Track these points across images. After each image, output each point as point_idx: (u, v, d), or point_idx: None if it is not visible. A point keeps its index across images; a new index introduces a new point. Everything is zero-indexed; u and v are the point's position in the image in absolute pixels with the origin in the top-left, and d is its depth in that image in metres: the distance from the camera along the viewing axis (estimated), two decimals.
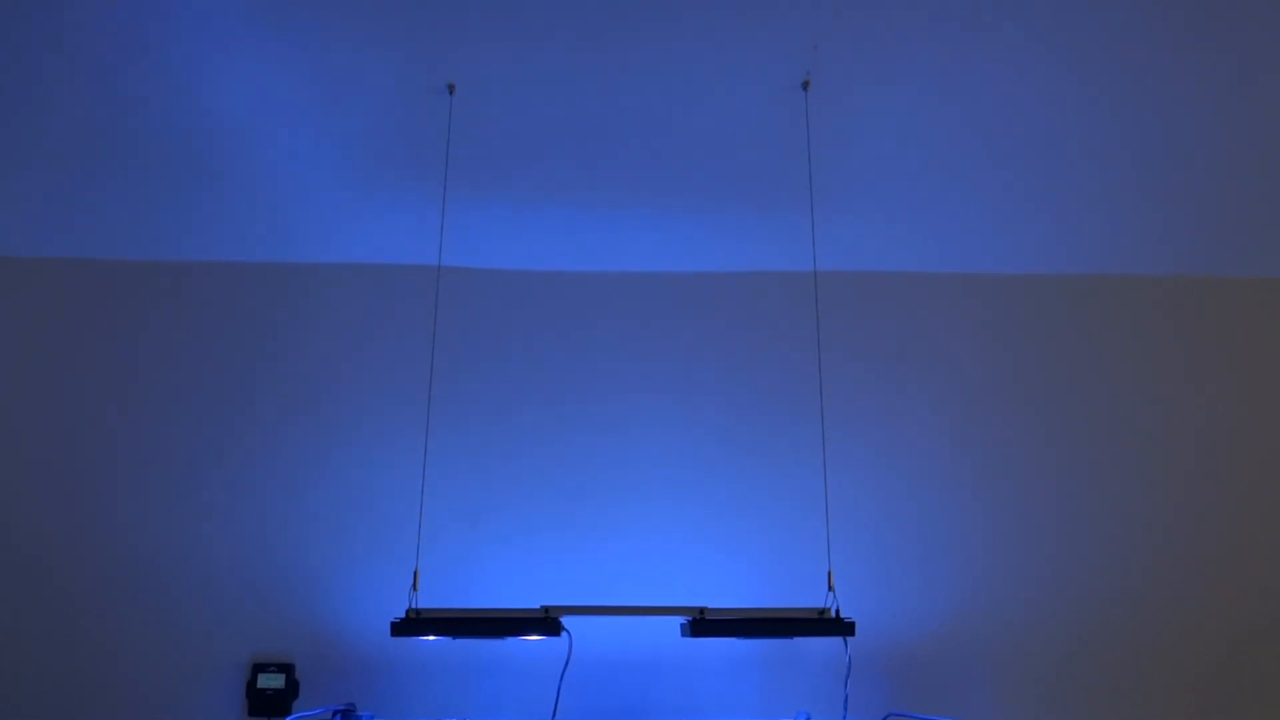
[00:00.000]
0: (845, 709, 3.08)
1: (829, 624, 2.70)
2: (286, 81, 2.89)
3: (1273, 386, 3.48)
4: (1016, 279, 3.49)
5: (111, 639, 3.15)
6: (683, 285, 3.45)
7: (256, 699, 3.06)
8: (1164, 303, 3.52)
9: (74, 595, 3.16)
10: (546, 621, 2.67)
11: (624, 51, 2.85)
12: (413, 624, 2.61)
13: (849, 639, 2.88)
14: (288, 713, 3.02)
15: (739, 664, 3.19)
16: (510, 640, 2.96)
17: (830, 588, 2.79)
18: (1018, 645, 3.25)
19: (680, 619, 2.78)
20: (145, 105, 2.94)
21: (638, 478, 3.30)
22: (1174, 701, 3.26)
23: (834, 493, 3.01)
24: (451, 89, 2.91)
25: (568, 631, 2.76)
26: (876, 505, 3.30)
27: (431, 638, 2.76)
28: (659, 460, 3.31)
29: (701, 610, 2.70)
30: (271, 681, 3.07)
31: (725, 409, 3.37)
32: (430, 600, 2.74)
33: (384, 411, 3.28)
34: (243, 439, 3.28)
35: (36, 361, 3.30)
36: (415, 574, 2.72)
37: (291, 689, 3.08)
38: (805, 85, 2.93)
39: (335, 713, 2.97)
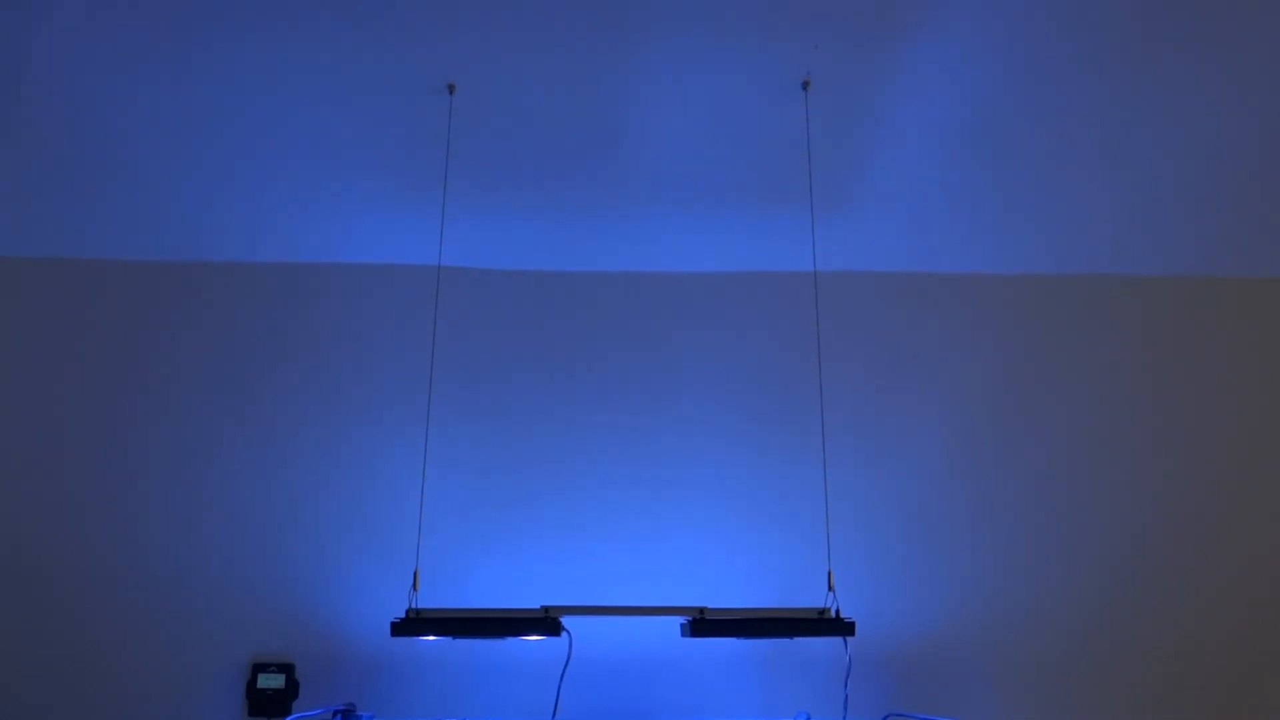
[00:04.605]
0: (845, 709, 3.08)
1: (829, 624, 2.70)
2: (287, 82, 2.89)
3: (1273, 386, 3.48)
4: (1016, 279, 3.49)
5: (111, 639, 3.15)
6: (683, 285, 3.45)
7: (256, 699, 3.06)
8: (1164, 303, 3.52)
9: (74, 595, 3.16)
10: (546, 621, 2.67)
11: (624, 52, 2.85)
12: (413, 624, 2.61)
13: (849, 639, 2.88)
14: (288, 713, 3.02)
15: (739, 664, 3.19)
16: (510, 640, 2.96)
17: (830, 588, 2.79)
18: (1018, 645, 3.25)
19: (680, 619, 2.78)
20: (145, 105, 2.94)
21: (637, 477, 3.30)
22: (1174, 701, 3.26)
23: (834, 492, 3.01)
24: (451, 89, 2.91)
25: (568, 631, 2.76)
26: (877, 505, 3.30)
27: (431, 638, 2.76)
28: (659, 460, 3.31)
29: (701, 610, 2.70)
30: (271, 681, 3.07)
31: (725, 409, 3.37)
32: (430, 600, 2.74)
33: (384, 411, 3.29)
34: (243, 439, 3.28)
35: (37, 361, 3.30)
36: (415, 574, 2.72)
37: (291, 689, 3.08)
38: (805, 85, 2.93)
39: (335, 713, 2.97)
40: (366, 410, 3.30)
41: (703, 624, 2.69)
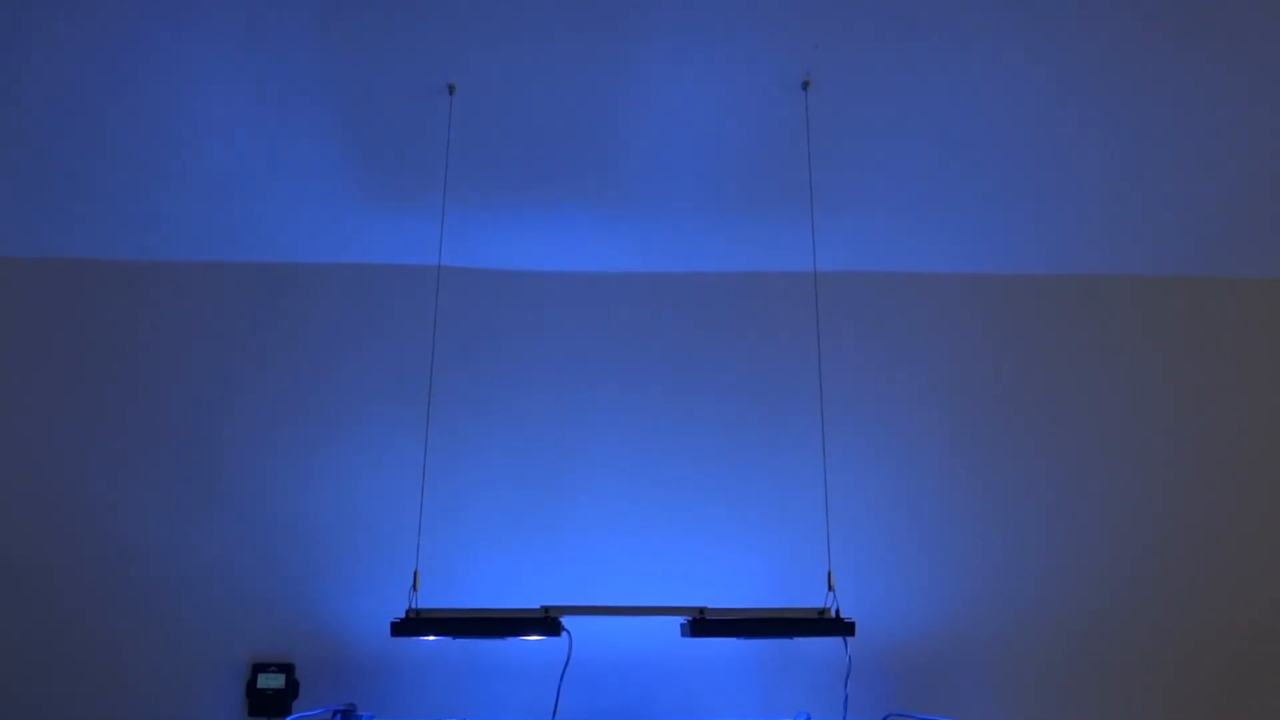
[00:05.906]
0: (845, 709, 3.08)
1: (829, 624, 2.70)
2: (286, 82, 2.89)
3: (1273, 386, 3.48)
4: (1016, 279, 3.49)
5: (111, 639, 3.15)
6: (683, 285, 3.45)
7: (256, 699, 3.06)
8: (1164, 303, 3.52)
9: (73, 596, 3.16)
10: (546, 621, 2.66)
11: (624, 51, 2.84)
12: (413, 624, 2.61)
13: (849, 639, 2.88)
14: (288, 713, 3.02)
15: (739, 664, 3.19)
16: (510, 640, 2.96)
17: (830, 588, 2.79)
18: (1018, 645, 3.25)
19: (680, 619, 2.78)
20: (144, 106, 2.94)
21: (638, 478, 3.30)
22: (1174, 701, 3.26)
23: (834, 493, 3.01)
24: (451, 89, 2.91)
25: (568, 631, 2.76)
26: (877, 505, 3.30)
27: (431, 638, 2.76)
28: (659, 460, 3.31)
29: (701, 610, 2.70)
30: (271, 681, 3.07)
31: (726, 409, 3.36)
32: (430, 600, 2.74)
33: (384, 411, 3.28)
34: (243, 439, 3.28)
35: (34, 361, 3.30)
36: (415, 574, 2.72)
37: (291, 689, 3.08)
38: (805, 85, 2.93)
39: (335, 713, 2.97)
40: (367, 410, 3.30)
41: (703, 624, 2.69)
